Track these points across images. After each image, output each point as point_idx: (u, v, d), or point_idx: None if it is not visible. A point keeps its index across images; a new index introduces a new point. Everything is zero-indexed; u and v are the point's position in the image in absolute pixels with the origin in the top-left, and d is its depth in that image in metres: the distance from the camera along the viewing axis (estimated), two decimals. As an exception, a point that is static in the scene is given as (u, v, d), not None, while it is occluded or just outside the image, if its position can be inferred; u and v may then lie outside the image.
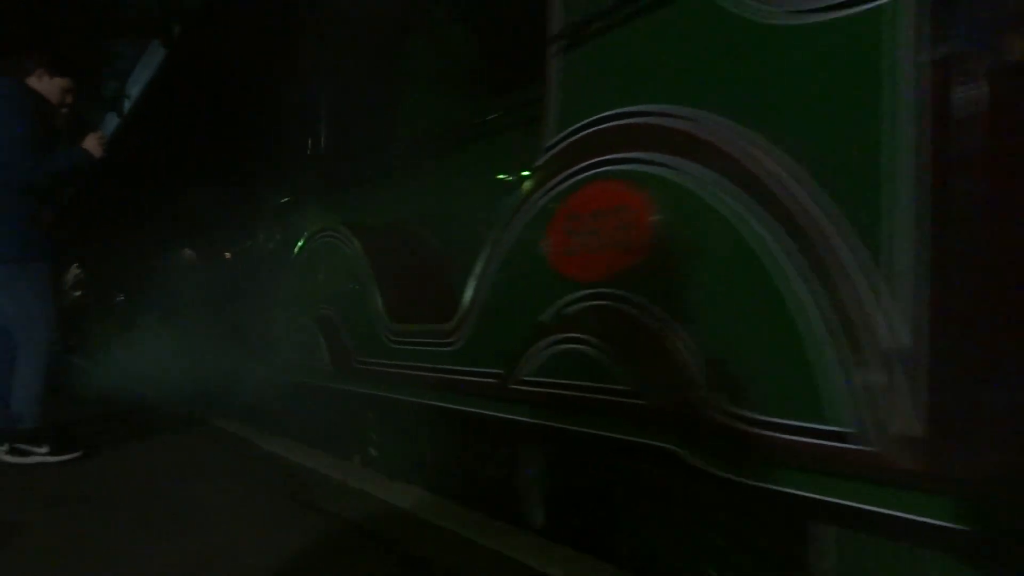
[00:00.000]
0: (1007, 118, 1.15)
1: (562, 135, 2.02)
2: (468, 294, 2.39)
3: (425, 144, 3.09)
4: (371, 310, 2.99)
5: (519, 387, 2.10)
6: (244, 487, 2.50)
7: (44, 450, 2.94)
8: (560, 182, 2.00)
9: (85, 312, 10.39)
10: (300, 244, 3.74)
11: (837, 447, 1.33)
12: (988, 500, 1.16)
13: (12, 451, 2.92)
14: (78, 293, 11.22)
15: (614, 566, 1.65)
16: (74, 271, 11.30)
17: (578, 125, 1.96)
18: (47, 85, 3.12)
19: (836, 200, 1.35)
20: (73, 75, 3.26)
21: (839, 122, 1.35)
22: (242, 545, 1.86)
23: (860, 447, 1.30)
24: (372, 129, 3.66)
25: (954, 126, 1.19)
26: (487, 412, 2.26)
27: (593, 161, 1.89)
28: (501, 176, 2.47)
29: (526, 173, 2.14)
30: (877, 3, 1.29)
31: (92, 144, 3.08)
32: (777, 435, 1.44)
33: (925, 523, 1.21)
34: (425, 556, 1.77)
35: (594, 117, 1.91)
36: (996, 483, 1.15)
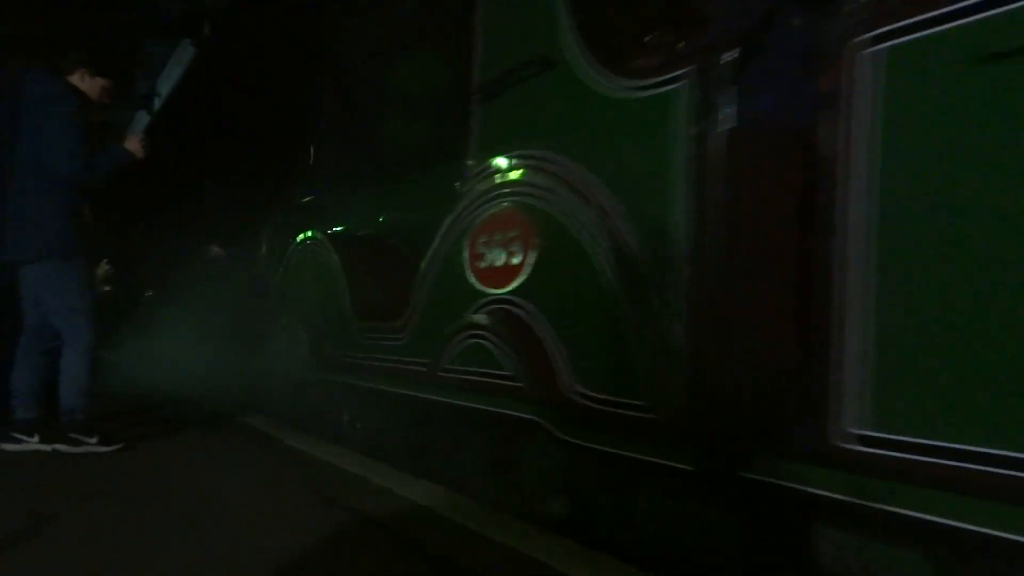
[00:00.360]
0: (742, 160, 1.60)
1: (474, 172, 2.49)
2: (412, 296, 2.87)
3: (387, 168, 3.60)
4: (343, 309, 3.49)
5: (442, 374, 2.58)
6: (268, 482, 2.51)
7: (94, 440, 3.00)
8: (472, 209, 2.47)
9: (113, 307, 11.01)
10: (291, 248, 4.27)
11: (637, 416, 1.79)
12: (723, 450, 1.61)
13: (68, 441, 2.97)
14: (107, 288, 11.85)
15: (635, 568, 1.66)
16: (103, 266, 11.97)
17: (483, 166, 2.44)
18: (88, 84, 3.16)
19: (640, 221, 1.81)
20: (114, 75, 3.32)
21: (643, 162, 1.81)
22: (266, 540, 1.86)
23: (650, 416, 1.76)
24: (349, 150, 4.18)
25: (710, 167, 1.64)
26: (421, 395, 2.74)
27: (492, 194, 2.37)
28: (438, 199, 2.94)
29: (453, 199, 2.62)
30: (668, 88, 1.75)
31: (133, 144, 3.17)
32: (606, 408, 1.90)
33: (680, 468, 1.66)
34: (447, 554, 1.77)
35: (494, 160, 2.39)
36: (729, 438, 1.60)
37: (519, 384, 2.17)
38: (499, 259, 2.33)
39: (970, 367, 1.20)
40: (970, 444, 1.18)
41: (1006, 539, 1.13)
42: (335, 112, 4.32)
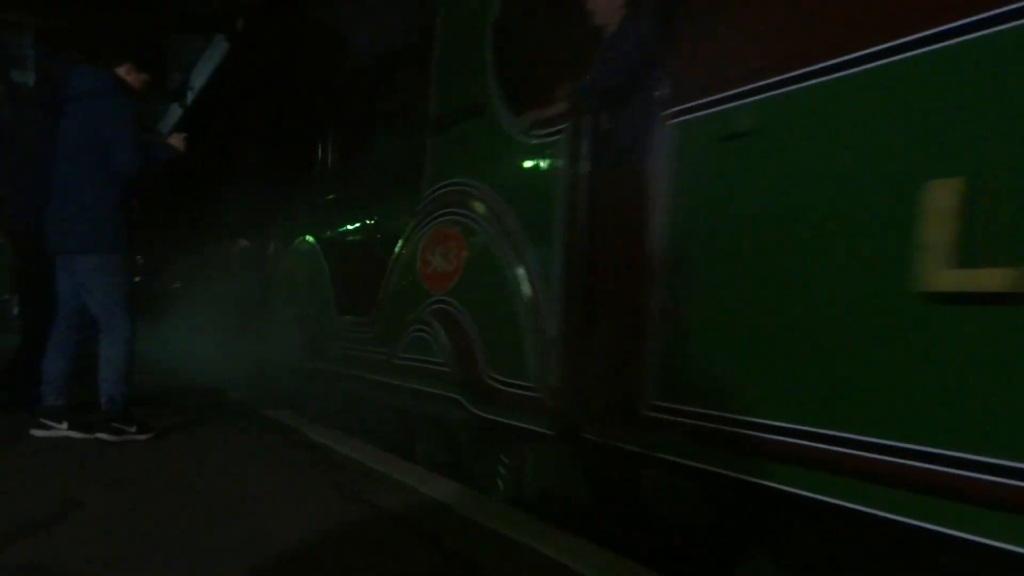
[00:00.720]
0: (597, 190, 2.09)
1: (428, 192, 3.01)
2: (379, 296, 3.39)
3: (366, 185, 4.15)
4: (328, 306, 4.03)
5: (397, 361, 3.09)
6: (291, 476, 2.53)
7: (133, 429, 3.04)
8: (425, 223, 2.99)
9: (143, 299, 11.60)
10: (289, 249, 4.84)
11: (525, 395, 2.28)
12: (571, 419, 2.10)
13: (109, 430, 3.00)
14: (137, 279, 12.45)
15: (655, 571, 1.69)
16: (135, 259, 12.59)
17: (434, 187, 2.95)
18: (134, 79, 3.18)
19: (532, 238, 2.31)
20: (153, 70, 3.35)
21: (536, 190, 2.31)
22: (287, 532, 1.88)
23: (533, 395, 2.25)
24: (335, 169, 4.77)
25: (578, 195, 2.13)
26: (383, 379, 3.26)
27: (438, 211, 2.88)
28: (404, 215, 3.46)
29: (414, 215, 3.14)
30: (554, 138, 2.25)
31: (178, 141, 3.23)
32: (506, 389, 2.39)
33: (546, 433, 2.15)
34: (466, 552, 1.78)
35: (441, 183, 2.90)
36: (576, 411, 2.09)
37: (448, 369, 2.68)
38: (439, 266, 2.84)
39: (721, 366, 1.68)
40: (725, 412, 1.66)
41: (735, 477, 1.61)
42: (327, 135, 4.90)
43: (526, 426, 2.28)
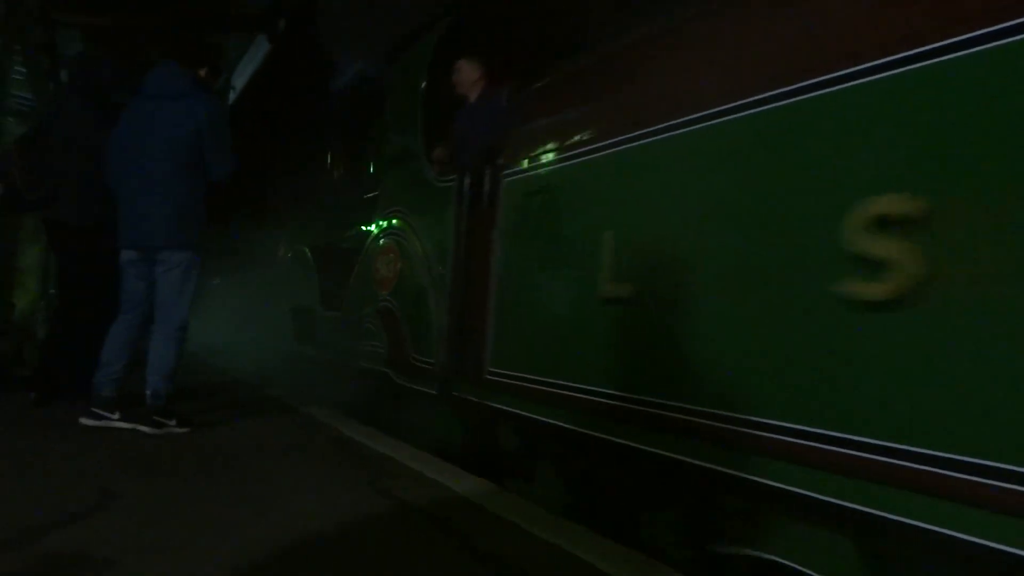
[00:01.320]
0: (472, 221, 2.98)
1: (381, 214, 3.95)
2: (348, 295, 4.34)
3: (345, 202, 5.19)
4: (315, 301, 5.02)
5: (358, 346, 4.03)
6: (326, 471, 2.57)
7: (173, 422, 3.05)
8: (379, 238, 3.93)
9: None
10: (289, 252, 5.90)
11: (427, 368, 3.18)
12: (447, 382, 2.99)
13: (151, 423, 3.01)
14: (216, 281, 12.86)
15: (682, 574, 1.75)
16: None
17: (386, 210, 3.90)
18: (209, 80, 3.28)
19: (435, 253, 3.22)
20: (217, 72, 3.42)
21: (440, 220, 3.21)
22: (319, 525, 1.91)
23: (431, 368, 3.15)
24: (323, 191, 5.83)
25: (462, 224, 3.03)
26: (350, 361, 4.20)
27: (386, 230, 3.82)
28: (368, 230, 4.43)
29: (373, 231, 4.09)
30: (450, 183, 3.16)
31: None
32: (422, 366, 3.30)
33: (433, 394, 3.06)
34: (495, 551, 1.80)
35: (389, 208, 3.84)
36: (449, 375, 2.99)
37: (383, 352, 3.60)
38: (384, 273, 3.77)
39: (525, 344, 2.56)
40: (529, 374, 2.52)
41: (535, 418, 2.47)
42: (321, 160, 5.99)
43: (424, 389, 3.19)
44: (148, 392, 3.03)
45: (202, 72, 3.22)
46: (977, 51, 1.32)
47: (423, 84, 3.61)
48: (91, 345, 3.15)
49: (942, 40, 1.38)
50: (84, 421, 3.01)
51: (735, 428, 1.67)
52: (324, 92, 6.34)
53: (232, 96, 7.82)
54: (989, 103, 1.30)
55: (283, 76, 7.02)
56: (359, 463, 2.70)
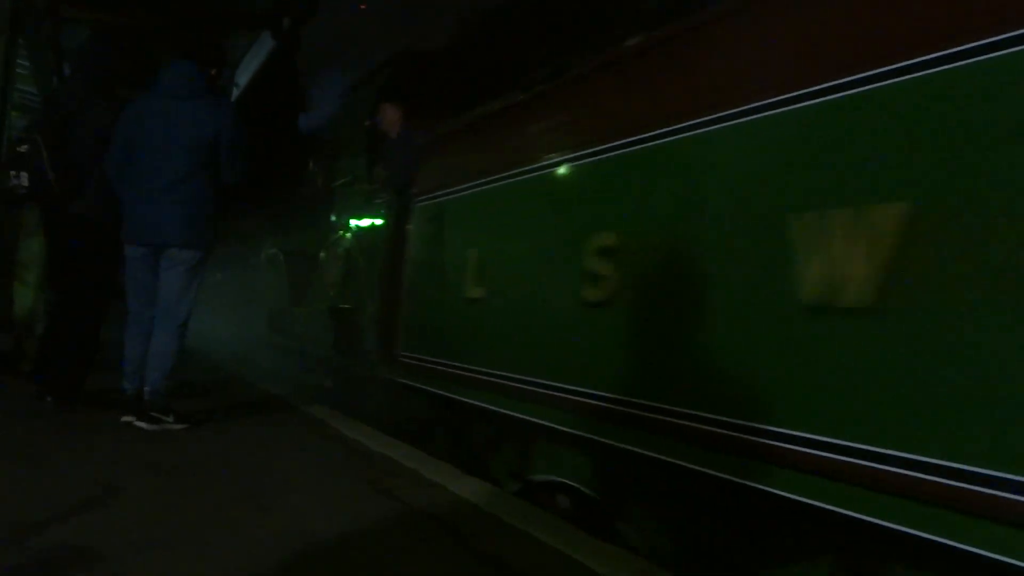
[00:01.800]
0: (397, 233, 3.58)
1: (335, 224, 4.74)
2: (308, 292, 5.11)
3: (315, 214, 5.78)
4: (286, 298, 5.73)
5: (317, 336, 4.78)
6: (325, 470, 2.57)
7: (170, 419, 3.03)
8: (331, 244, 4.74)
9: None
10: (267, 256, 6.66)
11: (365, 353, 3.92)
12: (377, 363, 3.70)
13: (148, 419, 2.98)
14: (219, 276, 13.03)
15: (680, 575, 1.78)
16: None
17: (338, 220, 4.69)
18: (215, 81, 3.26)
19: (365, 259, 3.97)
20: (221, 69, 3.39)
21: (374, 231, 3.95)
22: (319, 524, 1.91)
23: (368, 353, 3.86)
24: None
25: (389, 235, 3.68)
26: (321, 352, 4.86)
27: (337, 239, 4.62)
28: (328, 238, 5.05)
29: (332, 239, 4.80)
30: (383, 201, 3.89)
31: None
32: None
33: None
34: (495, 553, 1.80)
35: (341, 218, 4.62)
36: (379, 358, 3.66)
37: (334, 341, 4.50)
38: (335, 274, 4.55)
39: (426, 332, 3.24)
40: (430, 356, 3.13)
41: (437, 392, 3.15)
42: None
43: (360, 371, 3.97)
44: (147, 388, 3.02)
45: (212, 72, 3.23)
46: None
47: (366, 119, 4.32)
48: (90, 338, 3.18)
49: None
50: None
51: (533, 389, 2.36)
52: (304, 105, 6.86)
53: (235, 93, 7.92)
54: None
55: (276, 83, 7.65)
56: (358, 462, 2.72)
